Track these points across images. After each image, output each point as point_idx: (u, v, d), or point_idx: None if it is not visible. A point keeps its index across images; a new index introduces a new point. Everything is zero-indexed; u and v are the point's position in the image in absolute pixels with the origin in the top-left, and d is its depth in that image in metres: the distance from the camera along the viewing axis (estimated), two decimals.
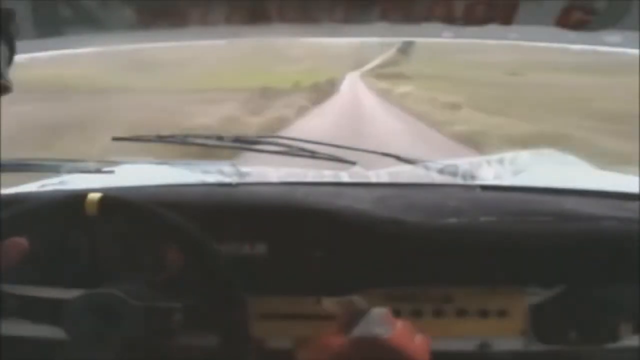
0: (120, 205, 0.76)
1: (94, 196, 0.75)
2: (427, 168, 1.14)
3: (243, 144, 1.19)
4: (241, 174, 1.18)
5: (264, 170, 1.23)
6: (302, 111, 11.94)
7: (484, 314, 0.92)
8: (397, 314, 0.82)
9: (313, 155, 1.13)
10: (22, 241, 0.74)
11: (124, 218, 0.80)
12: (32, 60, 0.85)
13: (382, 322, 0.70)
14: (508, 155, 1.26)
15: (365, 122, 10.06)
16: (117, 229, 0.92)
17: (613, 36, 0.74)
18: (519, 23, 0.71)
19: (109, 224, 0.90)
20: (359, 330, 0.69)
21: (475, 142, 7.14)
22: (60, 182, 1.17)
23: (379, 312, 0.72)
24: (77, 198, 0.75)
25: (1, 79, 0.69)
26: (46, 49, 0.86)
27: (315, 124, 9.79)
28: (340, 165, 1.13)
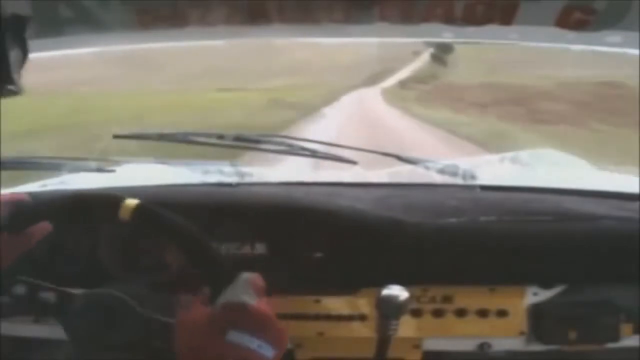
0: (153, 216, 0.77)
1: (131, 203, 0.75)
2: (427, 168, 1.14)
3: (244, 142, 1.19)
4: (241, 174, 1.18)
5: (264, 170, 1.23)
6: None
7: (484, 314, 0.92)
8: None
9: (314, 154, 1.13)
10: (47, 225, 0.76)
11: (153, 229, 0.80)
12: (32, 60, 0.85)
13: (247, 289, 0.71)
14: (508, 155, 1.27)
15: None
16: (122, 230, 0.92)
17: (613, 36, 0.74)
18: (519, 23, 0.71)
19: (116, 226, 0.91)
20: (225, 297, 0.69)
21: None
22: (61, 182, 1.17)
23: (245, 278, 0.72)
24: (114, 202, 0.76)
25: (12, 84, 0.69)
26: (46, 49, 0.86)
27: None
28: (340, 165, 1.13)
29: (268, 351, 0.66)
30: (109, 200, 0.77)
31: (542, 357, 0.93)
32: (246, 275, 0.73)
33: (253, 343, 0.66)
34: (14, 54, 0.71)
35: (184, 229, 0.76)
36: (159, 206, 0.78)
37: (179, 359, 0.68)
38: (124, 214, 0.75)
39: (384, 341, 0.81)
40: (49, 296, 0.76)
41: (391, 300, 0.78)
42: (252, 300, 0.69)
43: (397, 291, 0.78)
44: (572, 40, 0.79)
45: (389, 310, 0.79)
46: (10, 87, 0.71)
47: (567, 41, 0.81)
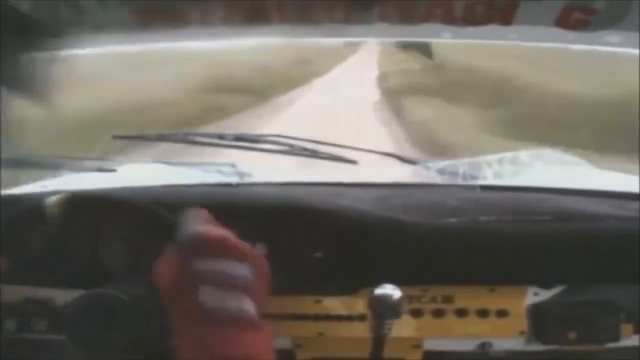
0: (83, 203, 0.77)
1: (56, 198, 0.75)
2: (427, 168, 1.15)
3: (244, 142, 1.19)
4: (241, 174, 1.18)
5: (265, 170, 1.23)
6: None
7: (484, 314, 0.92)
8: None
9: (314, 154, 1.13)
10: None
11: (89, 215, 0.80)
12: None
13: (193, 222, 0.69)
14: (508, 155, 1.26)
15: None
16: (116, 229, 0.92)
17: (613, 36, 0.74)
18: (518, 23, 0.71)
19: (108, 225, 0.91)
20: (178, 239, 0.68)
21: None
22: (61, 182, 1.17)
23: (186, 215, 0.71)
24: (39, 203, 0.76)
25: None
26: (46, 49, 0.86)
27: None
28: (340, 164, 1.13)
29: (242, 269, 0.65)
30: (34, 203, 0.77)
31: (542, 357, 0.93)
32: (187, 212, 0.72)
33: (221, 265, 0.64)
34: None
35: (120, 206, 0.76)
36: (159, 206, 0.78)
37: (170, 319, 0.66)
38: (52, 210, 0.75)
39: (378, 341, 0.82)
40: (41, 325, 0.76)
41: (384, 299, 0.79)
42: (203, 229, 0.67)
43: (390, 290, 0.79)
44: (572, 40, 0.79)
45: (383, 310, 0.79)
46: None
47: (567, 41, 0.81)
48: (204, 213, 0.72)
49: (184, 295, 0.64)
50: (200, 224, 0.69)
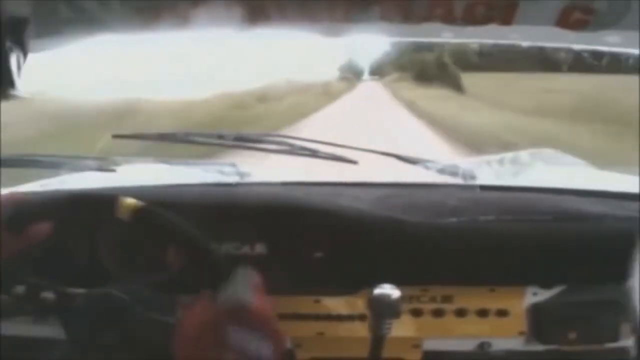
0: (153, 217, 0.78)
1: (129, 202, 0.76)
2: (427, 168, 1.14)
3: (244, 142, 1.19)
4: (241, 174, 1.18)
5: (265, 170, 1.23)
6: None
7: (483, 314, 0.92)
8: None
9: (314, 154, 1.13)
10: (47, 226, 0.77)
11: (153, 229, 0.81)
12: (32, 60, 0.85)
13: (246, 286, 0.72)
14: (508, 155, 1.26)
15: None
16: (122, 230, 0.92)
17: (613, 36, 0.74)
18: (519, 23, 0.71)
19: (107, 224, 0.91)
20: (224, 296, 0.71)
21: None
22: (61, 182, 1.17)
23: (243, 275, 0.74)
24: (111, 200, 0.77)
25: (13, 87, 0.70)
26: (46, 49, 0.86)
27: None
28: (341, 164, 1.13)
29: (267, 350, 0.68)
30: (106, 199, 0.78)
31: (542, 357, 0.93)
32: (244, 271, 0.74)
33: (253, 343, 0.67)
34: (14, 57, 0.71)
35: (184, 230, 0.77)
36: (159, 206, 0.78)
37: (177, 358, 0.68)
38: (122, 214, 0.76)
39: (377, 340, 0.82)
40: (49, 296, 0.77)
41: (383, 299, 0.79)
42: (252, 299, 0.70)
43: (389, 290, 0.79)
44: (572, 40, 0.79)
45: (381, 310, 0.80)
46: (12, 90, 0.71)
47: (567, 41, 0.81)
48: (255, 275, 0.74)
49: (206, 353, 0.67)
50: (249, 291, 0.71)
